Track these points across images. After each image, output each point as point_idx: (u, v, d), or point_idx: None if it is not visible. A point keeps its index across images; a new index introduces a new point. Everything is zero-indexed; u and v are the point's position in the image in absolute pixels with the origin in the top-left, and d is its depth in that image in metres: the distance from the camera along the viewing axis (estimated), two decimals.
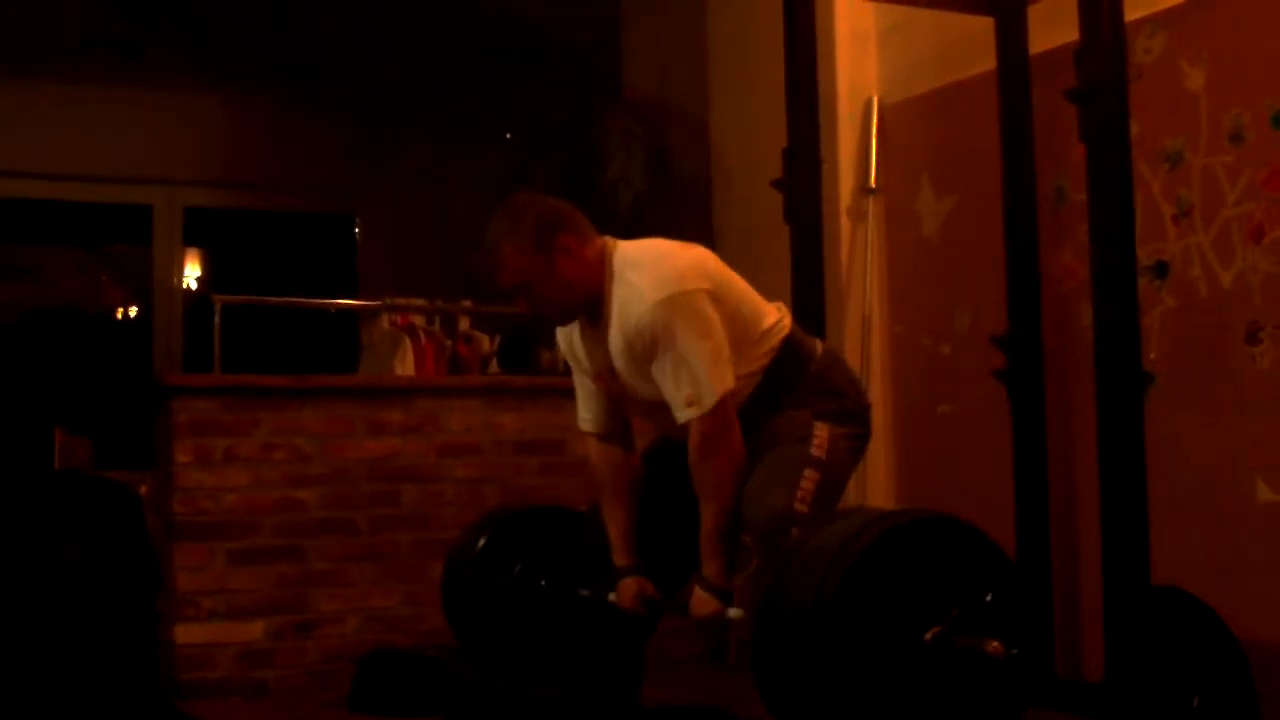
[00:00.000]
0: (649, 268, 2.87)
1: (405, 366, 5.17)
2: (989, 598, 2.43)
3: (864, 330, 4.38)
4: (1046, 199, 3.78)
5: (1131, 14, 3.29)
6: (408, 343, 5.23)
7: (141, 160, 7.18)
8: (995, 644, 2.34)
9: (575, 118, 6.13)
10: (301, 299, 5.86)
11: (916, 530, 2.47)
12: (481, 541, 3.41)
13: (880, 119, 4.45)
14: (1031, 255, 3.70)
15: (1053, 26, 3.62)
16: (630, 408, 3.08)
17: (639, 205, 5.54)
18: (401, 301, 5.40)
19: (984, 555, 2.48)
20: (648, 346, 2.83)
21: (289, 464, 4.16)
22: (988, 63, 3.80)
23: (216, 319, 5.07)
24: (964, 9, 3.86)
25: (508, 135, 6.84)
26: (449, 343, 5.38)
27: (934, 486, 4.20)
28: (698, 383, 2.80)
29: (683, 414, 2.83)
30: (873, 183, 4.42)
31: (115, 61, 6.74)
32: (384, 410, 4.30)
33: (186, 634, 4.01)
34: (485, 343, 5.49)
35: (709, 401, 2.81)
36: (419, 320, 5.37)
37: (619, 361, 2.92)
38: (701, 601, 2.90)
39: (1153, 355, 3.46)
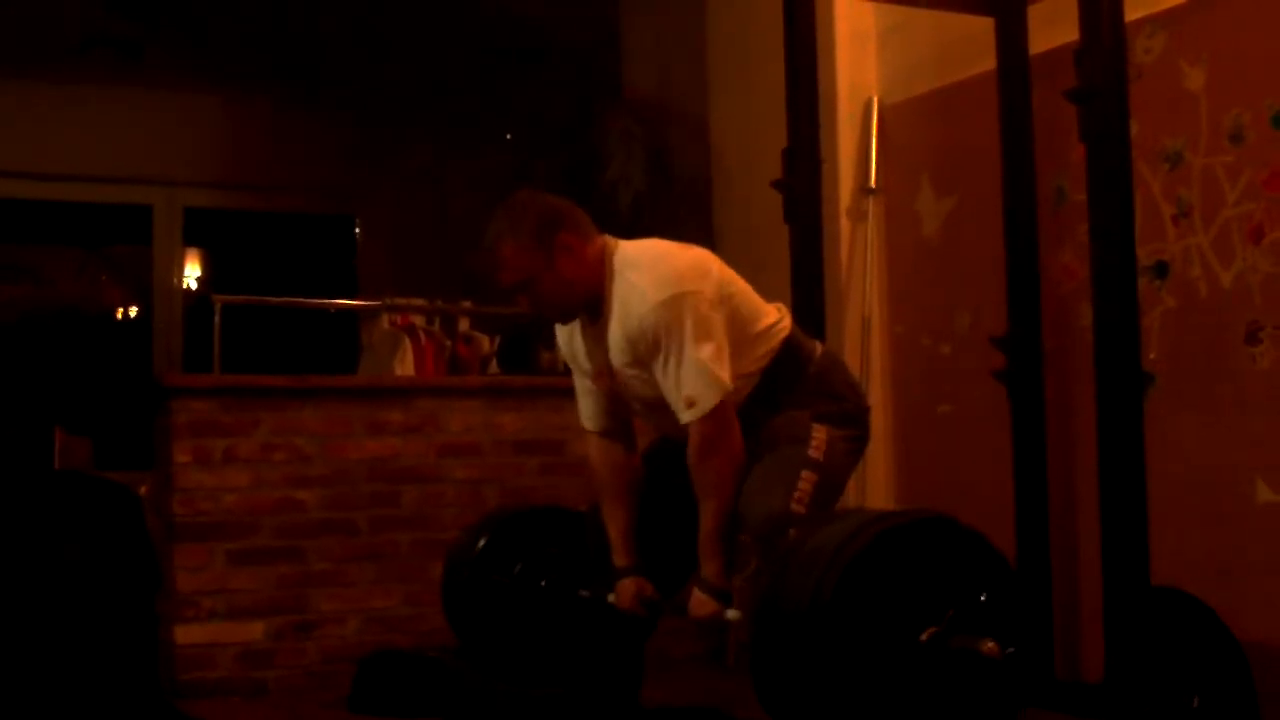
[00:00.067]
0: (650, 267, 2.87)
1: (405, 367, 5.17)
2: (985, 598, 2.43)
3: (864, 330, 4.38)
4: (1046, 199, 3.77)
5: (1131, 14, 3.29)
6: (408, 343, 5.23)
7: (141, 160, 7.18)
8: (991, 644, 2.35)
9: (575, 118, 6.13)
10: (301, 299, 5.85)
11: (912, 531, 2.47)
12: (481, 542, 3.41)
13: (880, 119, 4.45)
14: (1031, 255, 3.69)
15: (1053, 26, 3.61)
16: (630, 407, 3.08)
17: (639, 205, 5.54)
18: (401, 302, 5.40)
19: (980, 556, 2.49)
20: (650, 346, 2.83)
21: (289, 464, 4.16)
22: (988, 63, 3.80)
23: (216, 319, 5.07)
24: (964, 9, 3.85)
25: (508, 135, 6.85)
26: (449, 343, 5.38)
27: (934, 487, 4.19)
28: (698, 384, 2.80)
29: (684, 415, 2.83)
30: (873, 183, 4.42)
31: (115, 61, 6.74)
32: (384, 410, 4.30)
33: (186, 634, 4.01)
34: (485, 343, 5.49)
35: (709, 403, 2.81)
36: (419, 320, 5.37)
37: (619, 360, 2.92)
38: (700, 602, 2.90)
39: (1153, 355, 3.46)
